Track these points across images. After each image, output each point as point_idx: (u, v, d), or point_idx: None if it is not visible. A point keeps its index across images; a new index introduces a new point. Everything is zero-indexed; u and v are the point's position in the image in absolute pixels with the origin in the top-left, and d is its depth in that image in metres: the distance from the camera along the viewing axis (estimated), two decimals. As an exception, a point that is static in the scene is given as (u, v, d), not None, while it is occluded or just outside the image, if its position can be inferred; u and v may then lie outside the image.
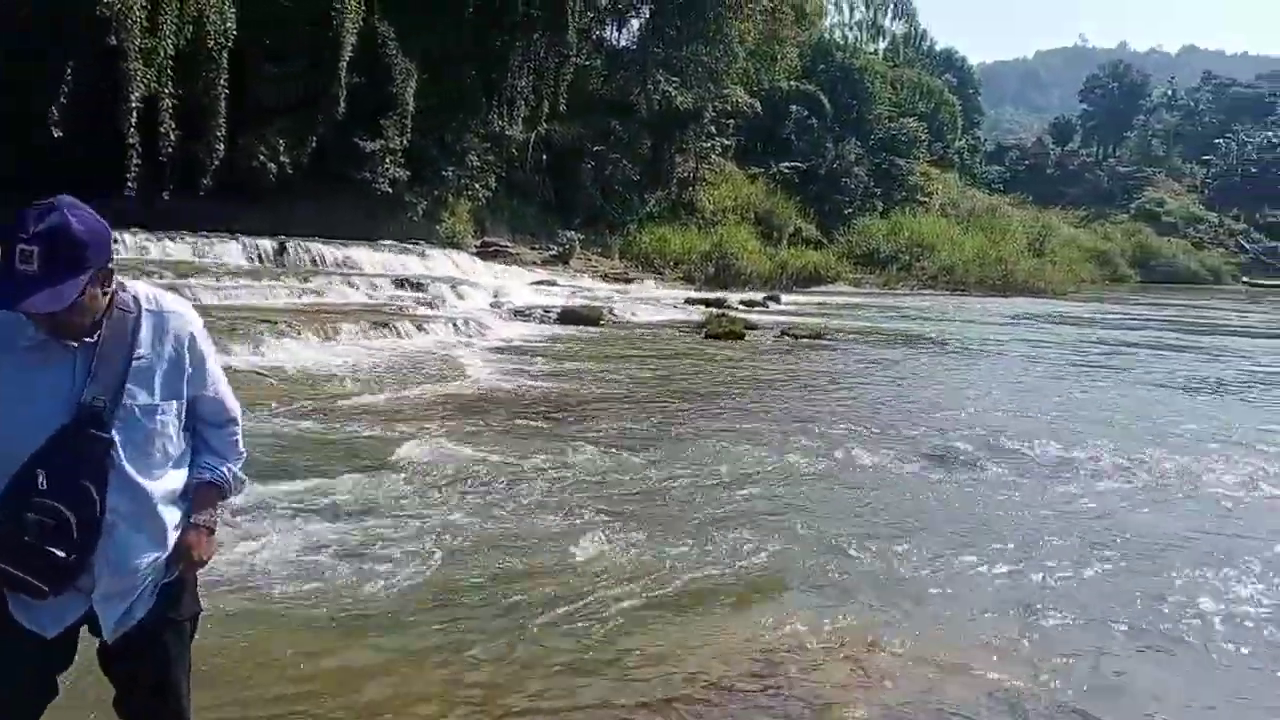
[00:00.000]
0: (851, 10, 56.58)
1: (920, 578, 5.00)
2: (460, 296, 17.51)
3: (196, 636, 2.36)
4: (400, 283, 17.25)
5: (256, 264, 16.72)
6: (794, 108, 40.38)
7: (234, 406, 2.34)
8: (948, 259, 37.30)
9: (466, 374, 10.81)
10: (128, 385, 2.07)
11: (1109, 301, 36.32)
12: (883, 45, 58.49)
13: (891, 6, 58.82)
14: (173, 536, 2.20)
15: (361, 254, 18.91)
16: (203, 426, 2.30)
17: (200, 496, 2.27)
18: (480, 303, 17.66)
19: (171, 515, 2.19)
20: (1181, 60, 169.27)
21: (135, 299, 2.12)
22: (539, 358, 12.56)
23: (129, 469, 2.08)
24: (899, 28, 60.13)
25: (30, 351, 2.00)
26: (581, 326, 16.64)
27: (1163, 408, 11.10)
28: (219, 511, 2.34)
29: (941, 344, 17.71)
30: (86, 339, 2.03)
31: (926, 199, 44.62)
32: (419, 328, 13.41)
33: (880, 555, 5.29)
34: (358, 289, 16.06)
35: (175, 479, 2.21)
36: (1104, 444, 8.48)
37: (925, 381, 12.61)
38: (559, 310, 17.60)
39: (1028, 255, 42.09)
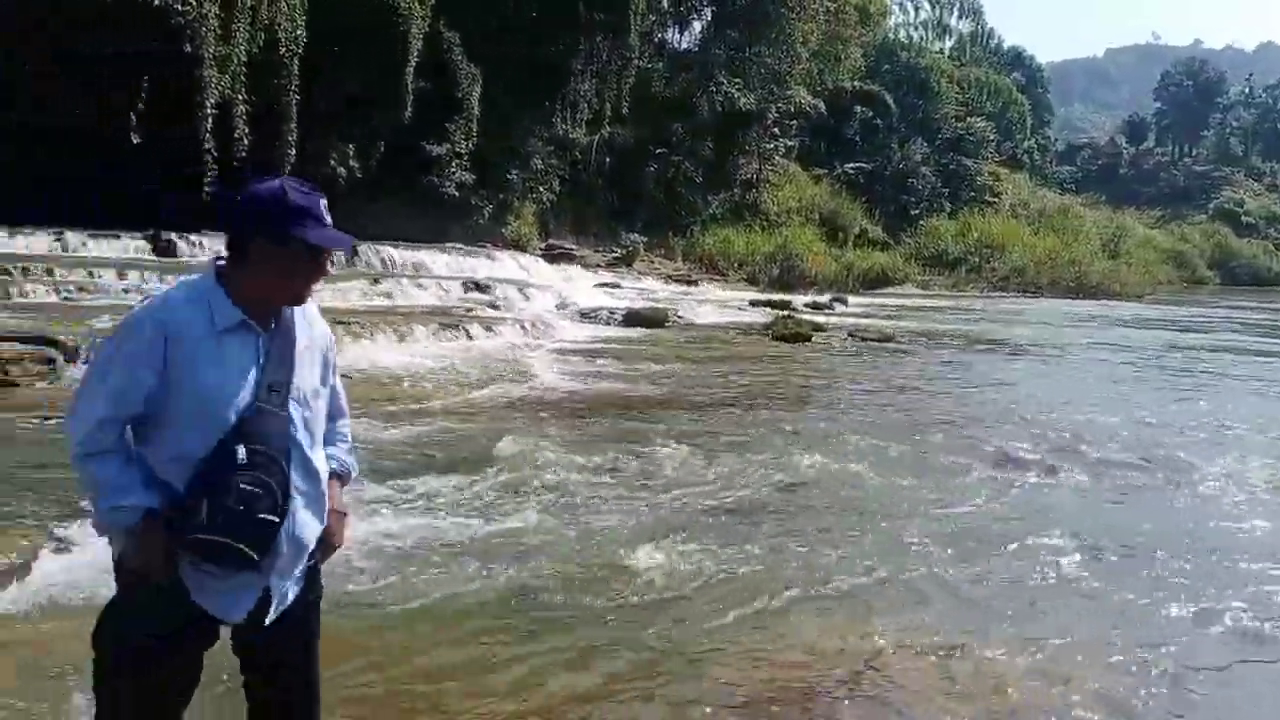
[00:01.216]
0: (916, 10, 55.91)
1: (1007, 586, 4.79)
2: (527, 298, 17.53)
3: None
4: (469, 285, 17.32)
5: (329, 267, 16.92)
6: (858, 108, 39.99)
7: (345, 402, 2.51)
8: (1019, 260, 36.49)
9: (537, 375, 10.78)
10: (297, 369, 2.20)
11: (1190, 304, 35.15)
12: (949, 44, 57.74)
13: (957, 5, 57.99)
14: (324, 516, 2.28)
15: (430, 256, 19.04)
16: (327, 419, 2.38)
17: (333, 485, 2.35)
18: (546, 304, 17.66)
19: (325, 495, 2.28)
20: (1259, 56, 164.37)
21: None
22: (606, 359, 12.49)
23: (304, 447, 2.19)
24: (965, 26, 59.36)
25: (227, 334, 2.10)
26: (647, 328, 16.54)
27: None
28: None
29: (1016, 347, 17.23)
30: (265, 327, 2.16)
31: (995, 199, 43.74)
32: (488, 329, 13.43)
33: (962, 562, 5.08)
34: (427, 290, 16.16)
35: (326, 461, 2.32)
36: (1211, 455, 8.10)
37: (1003, 386, 12.23)
38: (624, 312, 17.52)
39: (1102, 256, 41.04)
